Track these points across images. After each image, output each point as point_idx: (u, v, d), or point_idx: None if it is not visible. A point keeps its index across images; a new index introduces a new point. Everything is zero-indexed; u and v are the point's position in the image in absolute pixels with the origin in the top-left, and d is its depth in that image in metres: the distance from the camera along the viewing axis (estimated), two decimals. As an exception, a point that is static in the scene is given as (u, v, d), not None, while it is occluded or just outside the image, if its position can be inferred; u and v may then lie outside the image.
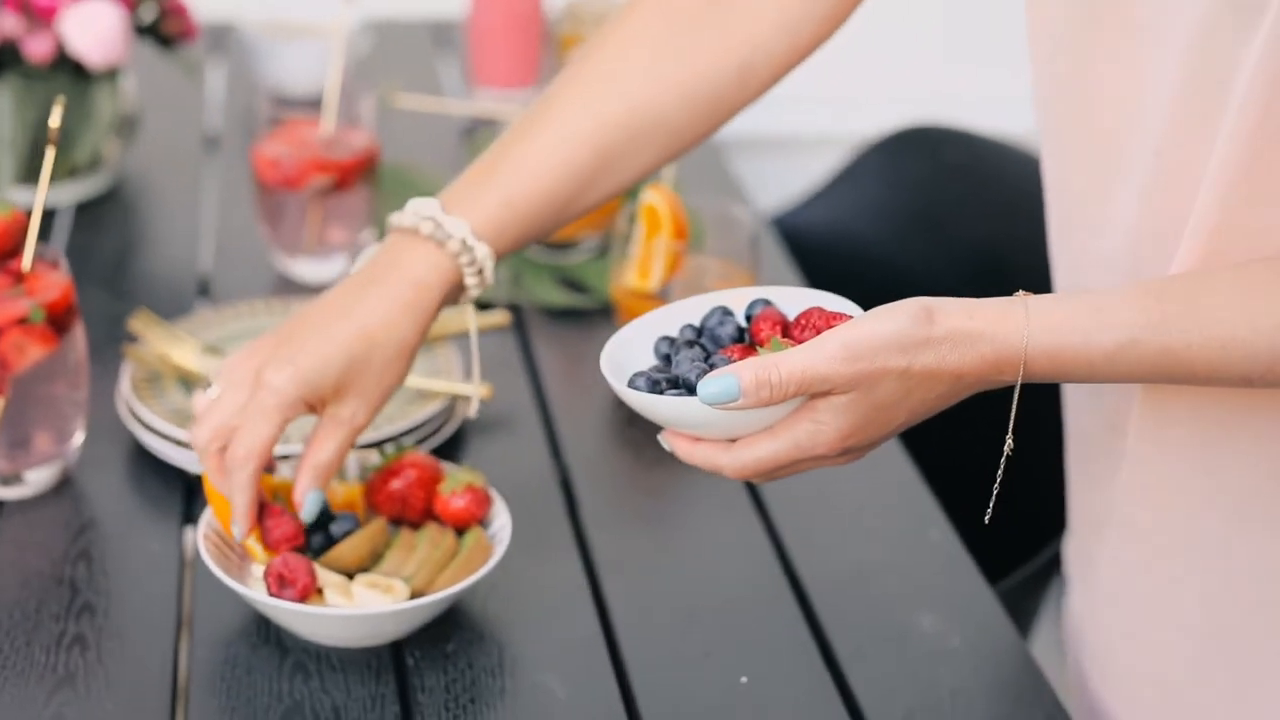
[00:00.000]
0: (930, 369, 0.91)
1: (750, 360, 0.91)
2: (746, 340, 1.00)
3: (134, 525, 1.21)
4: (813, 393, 0.91)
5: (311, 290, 1.52)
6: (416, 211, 1.09)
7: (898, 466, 1.30)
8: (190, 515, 1.22)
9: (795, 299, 1.01)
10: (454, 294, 1.10)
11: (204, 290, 1.54)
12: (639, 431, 1.34)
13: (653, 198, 1.38)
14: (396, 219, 1.10)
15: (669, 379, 0.97)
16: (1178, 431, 1.03)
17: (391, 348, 1.07)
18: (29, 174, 1.61)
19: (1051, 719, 1.05)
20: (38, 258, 1.20)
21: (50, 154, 1.20)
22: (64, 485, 1.24)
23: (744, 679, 1.08)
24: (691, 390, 0.94)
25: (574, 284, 1.55)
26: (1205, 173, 0.94)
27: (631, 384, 0.97)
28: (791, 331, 0.98)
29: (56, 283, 1.19)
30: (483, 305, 1.49)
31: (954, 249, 1.67)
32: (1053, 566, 1.44)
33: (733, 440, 0.94)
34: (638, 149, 1.13)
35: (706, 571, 1.18)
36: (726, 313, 1.00)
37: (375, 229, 1.56)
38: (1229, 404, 1.01)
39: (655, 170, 1.15)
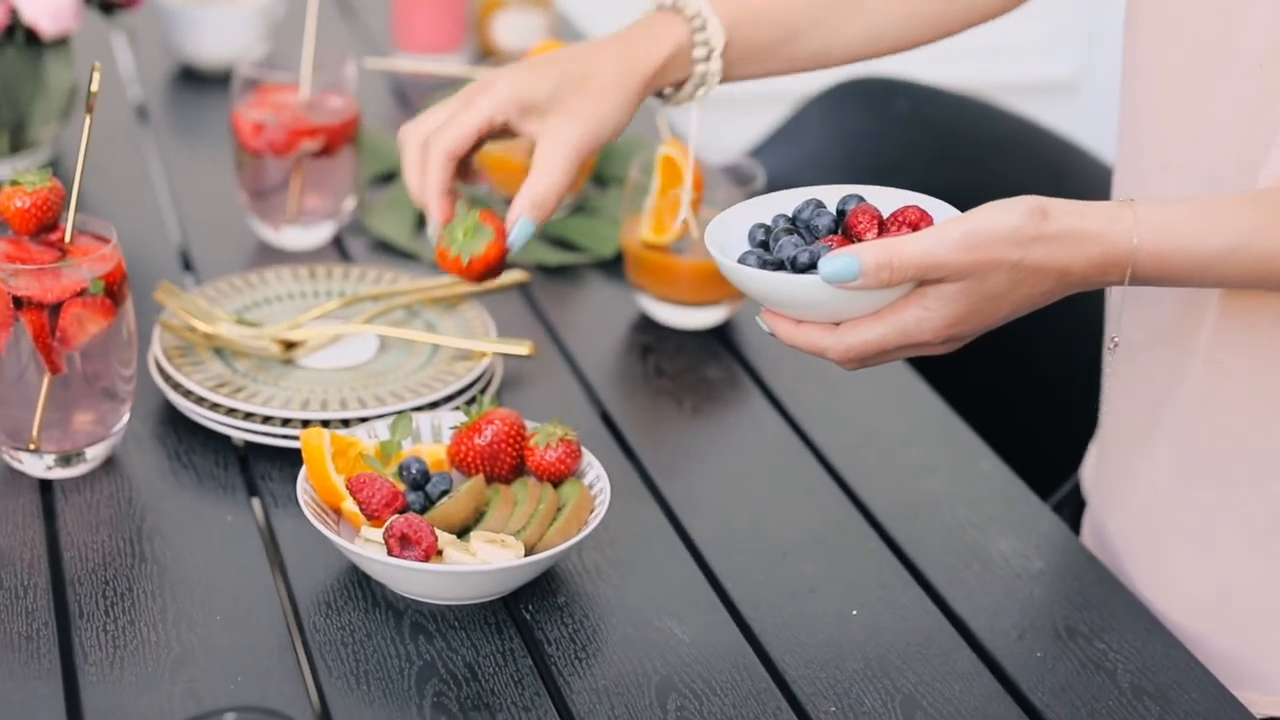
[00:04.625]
0: (1040, 264, 0.96)
1: (872, 242, 0.95)
2: (841, 232, 1.03)
3: (200, 499, 1.18)
4: (926, 279, 0.95)
5: (298, 258, 1.49)
6: None
7: (931, 404, 1.34)
8: (253, 487, 1.19)
9: (884, 197, 1.05)
10: (679, 66, 1.17)
11: (187, 264, 1.50)
12: (669, 381, 1.35)
13: (669, 150, 1.39)
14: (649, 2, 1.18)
15: (773, 261, 1.00)
16: (1259, 340, 1.08)
17: (609, 77, 1.13)
18: (-15, 149, 1.55)
19: (1151, 630, 1.10)
20: (78, 229, 1.16)
21: (88, 121, 1.16)
22: (111, 462, 1.20)
23: (854, 611, 1.10)
24: (796, 272, 0.98)
25: (560, 241, 1.55)
26: None
27: (742, 261, 1.00)
28: (887, 226, 1.01)
29: (108, 254, 1.15)
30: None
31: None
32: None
33: (835, 324, 0.98)
34: (861, 9, 1.20)
35: (783, 511, 1.20)
36: (820, 205, 1.04)
37: (357, 196, 1.54)
38: None
39: (870, 47, 1.22)
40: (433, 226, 1.13)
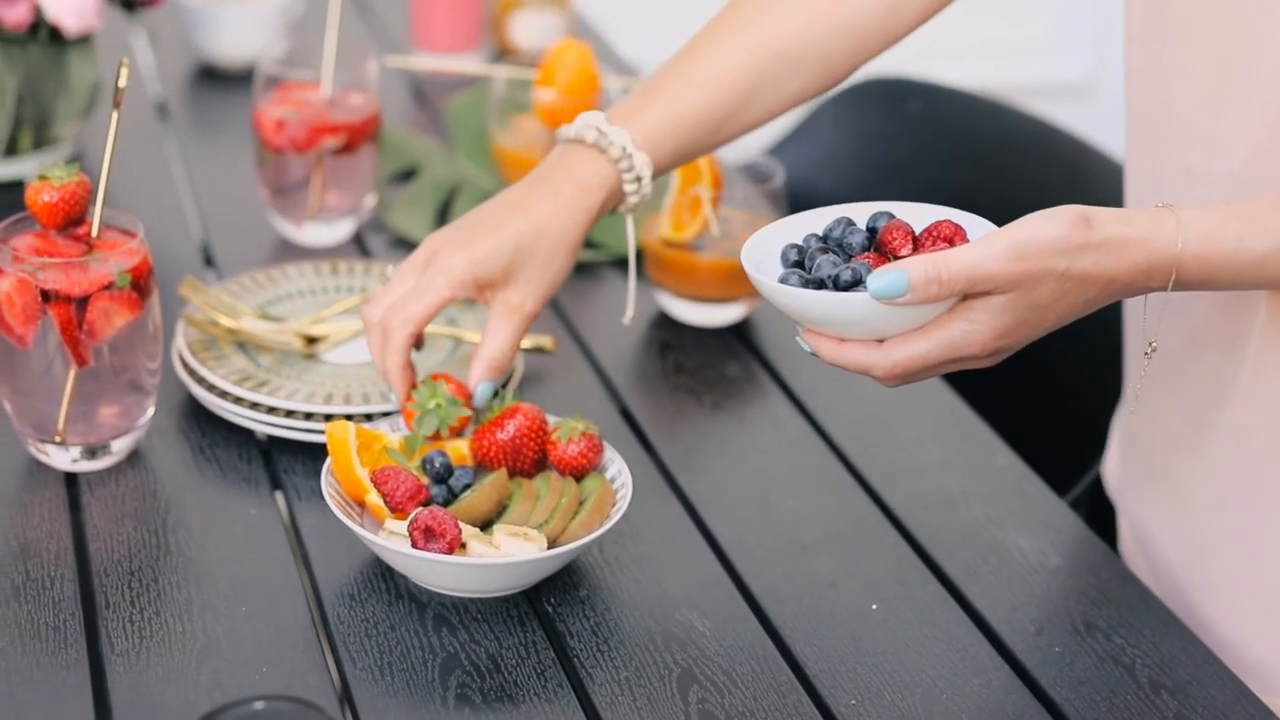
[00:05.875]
0: (1086, 273, 0.96)
1: (919, 256, 0.95)
2: (874, 249, 1.02)
3: (223, 492, 1.19)
4: (972, 292, 0.95)
5: (319, 254, 1.50)
6: (583, 123, 1.18)
7: (947, 401, 1.35)
8: (276, 480, 1.20)
9: (912, 213, 1.05)
10: (614, 199, 1.19)
11: (208, 260, 1.51)
12: (689, 378, 1.36)
13: (689, 148, 1.39)
14: (563, 132, 1.19)
15: (813, 281, 1.00)
16: None
17: (556, 239, 1.16)
18: (8, 147, 1.56)
19: (1168, 625, 1.11)
20: (105, 224, 1.17)
21: (115, 116, 1.17)
22: (136, 455, 1.21)
23: (874, 606, 1.11)
24: (839, 290, 0.98)
25: (578, 240, 1.56)
26: None
27: (784, 282, 1.00)
28: (922, 241, 1.01)
29: (135, 248, 1.16)
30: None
31: (922, 200, 1.72)
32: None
33: (879, 341, 0.98)
34: (789, 75, 1.20)
35: (802, 507, 1.21)
36: (851, 223, 1.03)
37: (378, 193, 1.55)
38: None
39: (806, 98, 1.22)
40: (397, 399, 1.16)
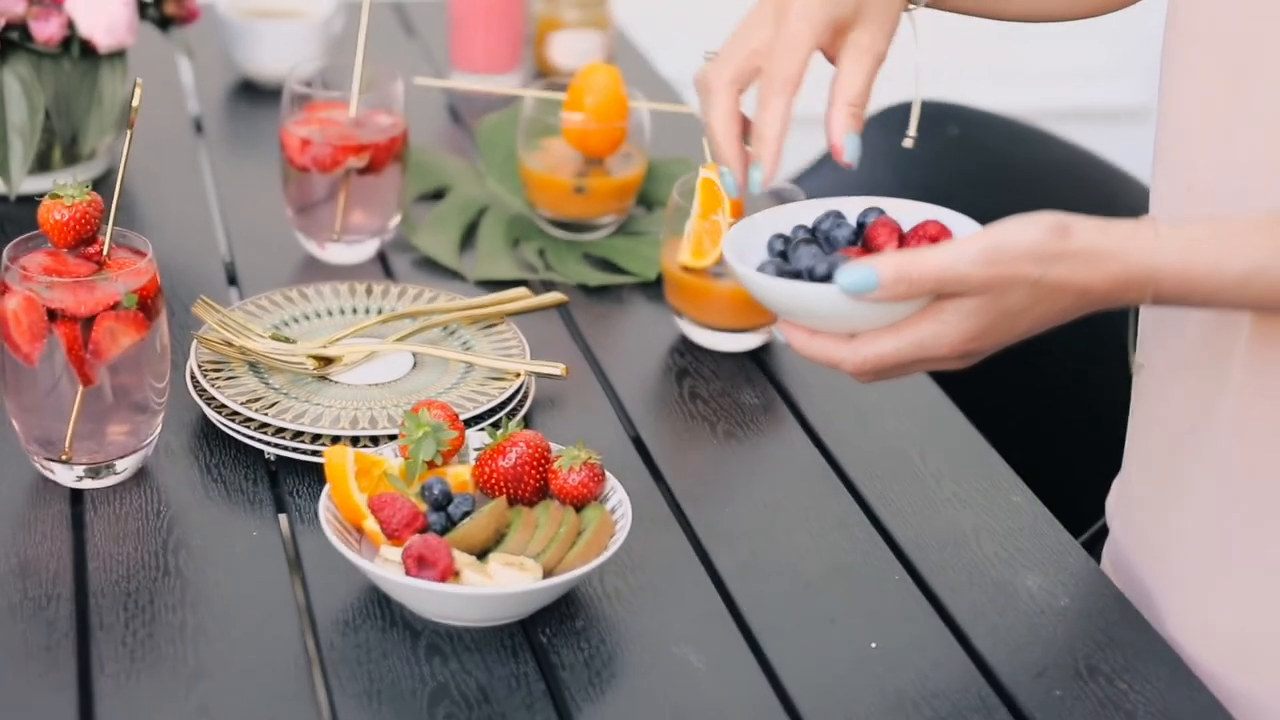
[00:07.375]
0: (1061, 281, 0.95)
1: (891, 254, 0.94)
2: (860, 244, 1.02)
3: (227, 513, 1.18)
4: (943, 294, 0.94)
5: (342, 274, 1.50)
6: None
7: (966, 434, 1.33)
8: (281, 502, 1.20)
9: (906, 210, 1.04)
10: None
11: (233, 279, 1.51)
12: (704, 405, 1.35)
13: (710, 173, 1.38)
14: None
15: (790, 271, 1.00)
16: None
17: None
18: (39, 162, 1.57)
19: (1174, 671, 1.08)
20: (115, 243, 1.18)
21: (129, 136, 1.17)
22: (142, 474, 1.21)
23: (874, 644, 1.09)
24: (814, 282, 0.97)
25: (601, 262, 1.55)
26: None
27: (759, 270, 1.00)
28: (907, 240, 1.01)
29: (143, 268, 1.16)
30: (523, 285, 1.49)
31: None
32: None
33: (850, 336, 0.97)
34: None
35: (809, 540, 1.19)
36: (840, 217, 1.03)
37: (403, 213, 1.54)
38: None
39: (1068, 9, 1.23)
40: (765, 173, 1.03)
